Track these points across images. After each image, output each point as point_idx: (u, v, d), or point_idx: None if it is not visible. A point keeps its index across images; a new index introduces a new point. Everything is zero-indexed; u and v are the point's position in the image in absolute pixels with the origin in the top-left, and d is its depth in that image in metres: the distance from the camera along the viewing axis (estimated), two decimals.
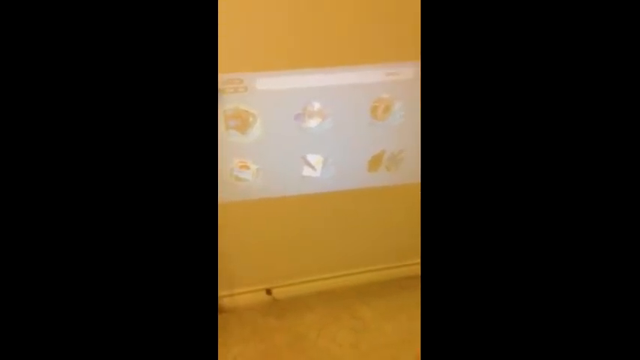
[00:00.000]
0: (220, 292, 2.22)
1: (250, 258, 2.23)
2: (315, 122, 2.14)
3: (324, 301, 2.23)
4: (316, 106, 2.12)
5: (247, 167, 2.14)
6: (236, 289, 2.24)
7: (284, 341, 1.92)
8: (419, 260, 2.34)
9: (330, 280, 2.35)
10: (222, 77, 1.98)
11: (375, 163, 2.24)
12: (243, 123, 2.07)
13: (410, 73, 2.10)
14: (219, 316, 2.15)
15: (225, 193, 2.12)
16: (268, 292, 2.28)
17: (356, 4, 1.93)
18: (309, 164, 2.20)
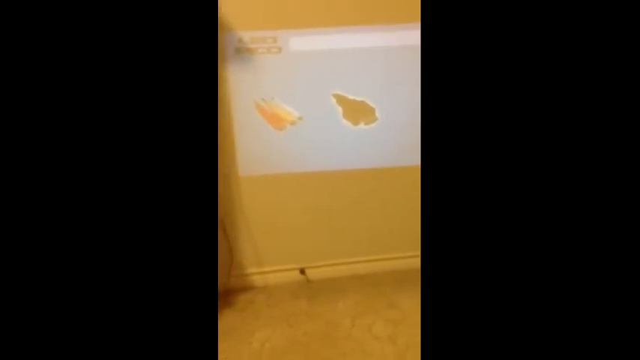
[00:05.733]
0: (249, 269, 2.11)
1: (282, 235, 2.08)
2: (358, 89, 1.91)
3: (360, 287, 2.06)
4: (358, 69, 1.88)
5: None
6: (266, 266, 2.12)
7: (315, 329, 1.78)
8: None
9: (366, 264, 2.18)
10: (251, 35, 1.78)
11: None
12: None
13: None
14: (248, 293, 2.05)
15: (258, 165, 1.96)
16: (302, 271, 2.13)
17: None
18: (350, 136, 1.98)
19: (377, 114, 1.94)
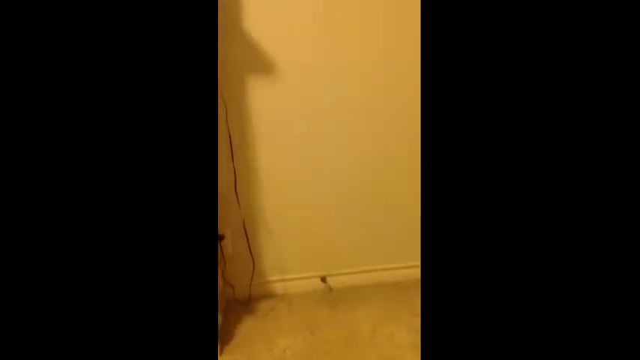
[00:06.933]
0: (271, 277, 2.11)
1: (304, 243, 2.08)
2: None
3: (382, 295, 2.04)
4: None
5: None
6: (288, 274, 2.12)
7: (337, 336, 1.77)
8: None
9: (389, 272, 2.16)
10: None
11: None
12: None
13: None
14: (269, 301, 2.05)
15: (279, 172, 1.98)
16: (323, 279, 2.12)
17: None
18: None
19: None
